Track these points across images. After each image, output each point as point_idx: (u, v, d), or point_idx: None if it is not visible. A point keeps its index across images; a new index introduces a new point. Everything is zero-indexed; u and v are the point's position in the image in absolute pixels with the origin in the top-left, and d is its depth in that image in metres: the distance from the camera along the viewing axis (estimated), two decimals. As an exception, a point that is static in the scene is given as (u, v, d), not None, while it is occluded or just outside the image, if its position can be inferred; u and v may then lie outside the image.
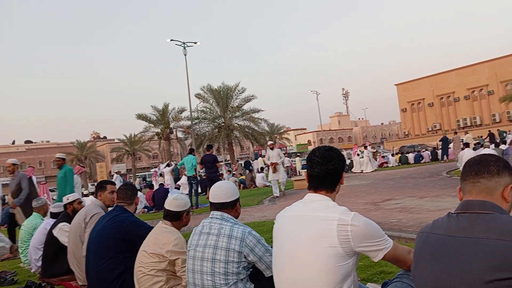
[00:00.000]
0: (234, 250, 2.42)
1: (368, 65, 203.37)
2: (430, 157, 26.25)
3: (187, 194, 13.58)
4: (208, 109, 34.90)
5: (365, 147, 24.61)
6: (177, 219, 3.18)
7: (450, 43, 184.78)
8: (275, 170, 13.85)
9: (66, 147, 65.45)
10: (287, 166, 30.57)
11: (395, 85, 63.53)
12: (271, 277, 2.24)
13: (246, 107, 34.63)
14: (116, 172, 20.63)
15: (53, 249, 4.90)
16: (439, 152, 25.17)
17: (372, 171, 23.22)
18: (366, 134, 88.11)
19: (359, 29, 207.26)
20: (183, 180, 18.02)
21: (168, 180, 19.16)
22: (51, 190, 17.92)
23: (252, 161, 32.77)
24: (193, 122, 33.44)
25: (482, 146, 17.90)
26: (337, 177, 2.12)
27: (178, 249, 2.97)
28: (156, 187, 17.83)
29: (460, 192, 1.69)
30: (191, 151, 13.99)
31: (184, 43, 32.41)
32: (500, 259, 1.38)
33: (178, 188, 18.35)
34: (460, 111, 55.27)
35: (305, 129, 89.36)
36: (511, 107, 41.48)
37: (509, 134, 27.02)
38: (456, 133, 24.33)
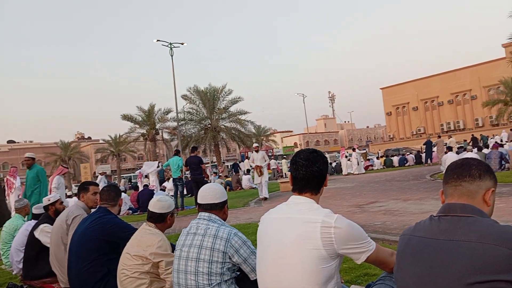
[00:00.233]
0: (219, 250, 2.42)
1: (354, 69, 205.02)
2: (414, 160, 26.63)
3: (172, 195, 13.52)
4: (194, 111, 34.76)
5: (354, 150, 24.89)
6: (161, 221, 3.15)
7: (434, 48, 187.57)
8: (260, 174, 13.83)
9: (50, 147, 64.53)
10: (273, 168, 30.66)
11: (380, 89, 64.19)
12: (256, 280, 2.24)
13: (233, 108, 34.63)
14: (100, 173, 20.44)
15: (35, 251, 4.83)
16: (423, 155, 25.54)
17: (361, 173, 23.45)
18: (351, 137, 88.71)
19: (346, 33, 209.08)
20: (170, 185, 17.74)
21: (153, 181, 19.02)
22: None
23: (239, 163, 32.74)
24: (179, 123, 33.27)
25: (465, 150, 18.17)
26: (322, 179, 2.13)
27: (162, 251, 2.95)
28: (141, 188, 17.67)
29: (442, 195, 1.71)
30: (177, 153, 13.92)
31: (170, 43, 32.27)
32: (480, 261, 1.39)
33: (164, 190, 18.22)
34: (444, 115, 56.08)
35: (291, 131, 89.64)
36: (494, 112, 42.16)
37: (491, 138, 27.49)
38: (439, 137, 24.69)
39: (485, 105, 39.09)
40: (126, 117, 38.33)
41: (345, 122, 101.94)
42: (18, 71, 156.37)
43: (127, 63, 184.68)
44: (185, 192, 15.07)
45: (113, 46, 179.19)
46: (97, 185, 4.46)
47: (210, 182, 18.82)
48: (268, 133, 62.53)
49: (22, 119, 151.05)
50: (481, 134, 31.00)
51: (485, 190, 1.62)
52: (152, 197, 3.83)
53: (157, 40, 32.11)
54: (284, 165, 32.64)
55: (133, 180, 41.17)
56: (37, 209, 5.54)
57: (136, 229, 3.30)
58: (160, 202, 3.16)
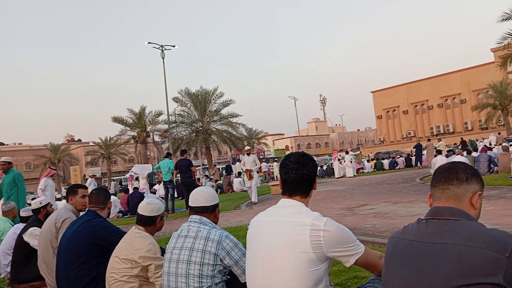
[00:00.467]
0: (210, 253, 2.42)
1: (345, 72, 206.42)
2: (404, 163, 26.82)
3: (162, 198, 13.46)
4: (185, 113, 34.61)
5: (347, 152, 25.02)
6: (151, 224, 3.13)
7: (425, 53, 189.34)
8: (250, 177, 13.79)
9: (39, 150, 63.85)
10: (264, 171, 30.67)
11: (371, 92, 64.67)
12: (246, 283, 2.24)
13: (224, 111, 34.54)
14: (90, 176, 20.23)
15: (23, 254, 4.78)
16: (413, 158, 25.71)
17: (354, 176, 23.59)
18: (342, 140, 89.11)
19: (337, 37, 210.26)
20: (161, 191, 17.59)
21: (143, 184, 18.92)
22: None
23: (232, 164, 32.70)
24: (171, 126, 33.14)
25: (454, 153, 18.34)
26: (312, 182, 2.14)
27: (151, 254, 2.93)
28: (131, 191, 17.56)
29: (430, 198, 1.72)
30: (168, 155, 13.86)
31: (162, 46, 32.18)
32: (466, 264, 1.40)
33: (154, 193, 18.13)
34: (434, 119, 56.63)
35: (283, 134, 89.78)
36: (483, 116, 42.65)
37: (480, 142, 27.77)
38: (429, 140, 24.87)
39: (474, 109, 39.55)
40: (116, 120, 38.06)
41: (336, 125, 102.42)
42: (7, 72, 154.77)
43: (118, 65, 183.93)
44: (175, 195, 15.01)
45: (104, 48, 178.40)
46: (86, 188, 4.44)
47: (201, 185, 18.82)
48: (260, 136, 62.48)
49: (11, 121, 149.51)
50: (469, 139, 31.31)
51: (472, 194, 1.63)
52: (142, 200, 3.81)
53: (149, 43, 32.03)
54: (276, 168, 32.66)
55: (123, 183, 40.91)
56: (25, 212, 5.48)
57: (125, 232, 3.28)
58: (149, 205, 3.15)
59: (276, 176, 30.12)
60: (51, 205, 5.19)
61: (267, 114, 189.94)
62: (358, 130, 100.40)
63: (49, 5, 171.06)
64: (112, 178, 50.63)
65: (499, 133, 28.24)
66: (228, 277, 2.56)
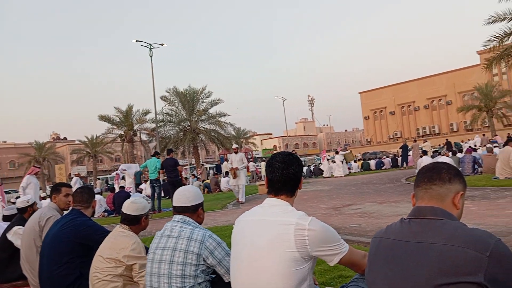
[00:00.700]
0: (193, 252, 2.40)
1: (333, 73, 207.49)
2: (391, 164, 27.08)
3: (149, 197, 13.38)
4: (173, 112, 34.46)
5: (337, 152, 25.13)
6: (136, 223, 3.11)
7: (412, 54, 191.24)
8: (234, 176, 13.75)
9: (24, 148, 63.01)
10: (252, 171, 30.65)
11: (359, 93, 65.12)
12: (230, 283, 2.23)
13: (213, 110, 34.51)
14: (75, 175, 19.96)
15: (7, 254, 4.69)
16: (399, 159, 25.97)
17: (344, 175, 23.69)
18: (330, 140, 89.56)
19: (326, 39, 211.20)
20: (148, 190, 17.44)
21: (129, 183, 18.77)
22: (7, 192, 17.20)
23: (221, 164, 32.63)
24: (158, 125, 32.98)
25: (440, 154, 18.56)
26: (297, 181, 2.15)
27: (136, 253, 2.91)
28: (118, 190, 17.40)
29: (413, 198, 1.73)
30: (156, 154, 13.79)
31: (150, 44, 32.01)
32: (448, 263, 1.42)
33: (140, 192, 18.00)
34: (420, 120, 57.23)
35: (271, 134, 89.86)
36: (468, 117, 43.19)
37: (465, 143, 28.13)
38: (415, 141, 25.14)
39: (460, 111, 40.03)
40: (103, 118, 37.73)
41: (324, 125, 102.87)
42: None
43: (105, 63, 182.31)
44: (162, 194, 14.93)
45: (91, 45, 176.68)
46: (70, 186, 4.39)
47: (189, 184, 18.73)
48: (248, 135, 62.52)
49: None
50: (454, 142, 31.69)
51: (454, 194, 1.65)
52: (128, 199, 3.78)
53: (137, 41, 31.87)
54: (263, 167, 32.69)
55: (109, 182, 40.56)
56: (8, 211, 5.39)
57: (110, 231, 3.25)
58: (134, 204, 3.12)
59: (263, 176, 30.12)
60: (36, 203, 5.12)
61: (256, 114, 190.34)
62: (346, 130, 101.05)
63: (32, 5, 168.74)
64: (98, 177, 50.17)
65: (483, 135, 28.62)
66: (213, 276, 2.54)
